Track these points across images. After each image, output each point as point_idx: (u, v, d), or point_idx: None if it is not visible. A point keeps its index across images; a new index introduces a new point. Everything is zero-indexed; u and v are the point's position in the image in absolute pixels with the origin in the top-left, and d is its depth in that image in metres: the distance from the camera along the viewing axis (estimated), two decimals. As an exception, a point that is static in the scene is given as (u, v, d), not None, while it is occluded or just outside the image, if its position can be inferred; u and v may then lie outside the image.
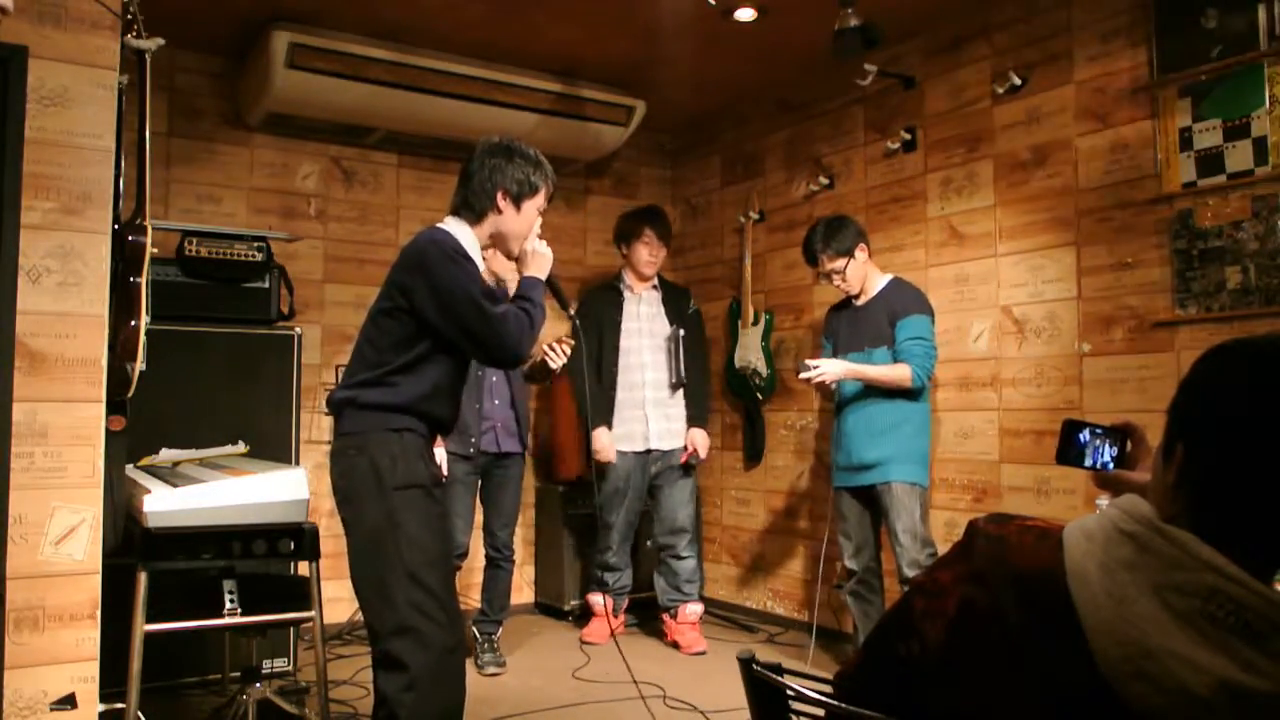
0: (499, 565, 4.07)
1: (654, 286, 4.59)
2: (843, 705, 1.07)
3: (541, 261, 2.49)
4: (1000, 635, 0.96)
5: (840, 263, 3.65)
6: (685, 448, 4.47)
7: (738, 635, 4.71)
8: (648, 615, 4.85)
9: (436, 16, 4.05)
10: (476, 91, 4.45)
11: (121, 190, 2.61)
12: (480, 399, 3.92)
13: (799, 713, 1.14)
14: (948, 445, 4.05)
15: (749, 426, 5.03)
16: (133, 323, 2.54)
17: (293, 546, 2.70)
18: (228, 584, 2.72)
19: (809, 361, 3.59)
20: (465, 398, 2.88)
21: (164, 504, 2.58)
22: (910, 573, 3.42)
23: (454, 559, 3.57)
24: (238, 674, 3.09)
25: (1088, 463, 1.21)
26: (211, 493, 2.63)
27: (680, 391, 4.51)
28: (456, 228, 2.40)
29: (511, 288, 3.44)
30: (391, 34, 4.22)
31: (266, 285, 3.83)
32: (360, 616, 4.32)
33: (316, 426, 4.55)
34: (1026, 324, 3.81)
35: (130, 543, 2.67)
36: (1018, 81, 3.83)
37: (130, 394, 2.60)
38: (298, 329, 3.87)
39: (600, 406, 4.41)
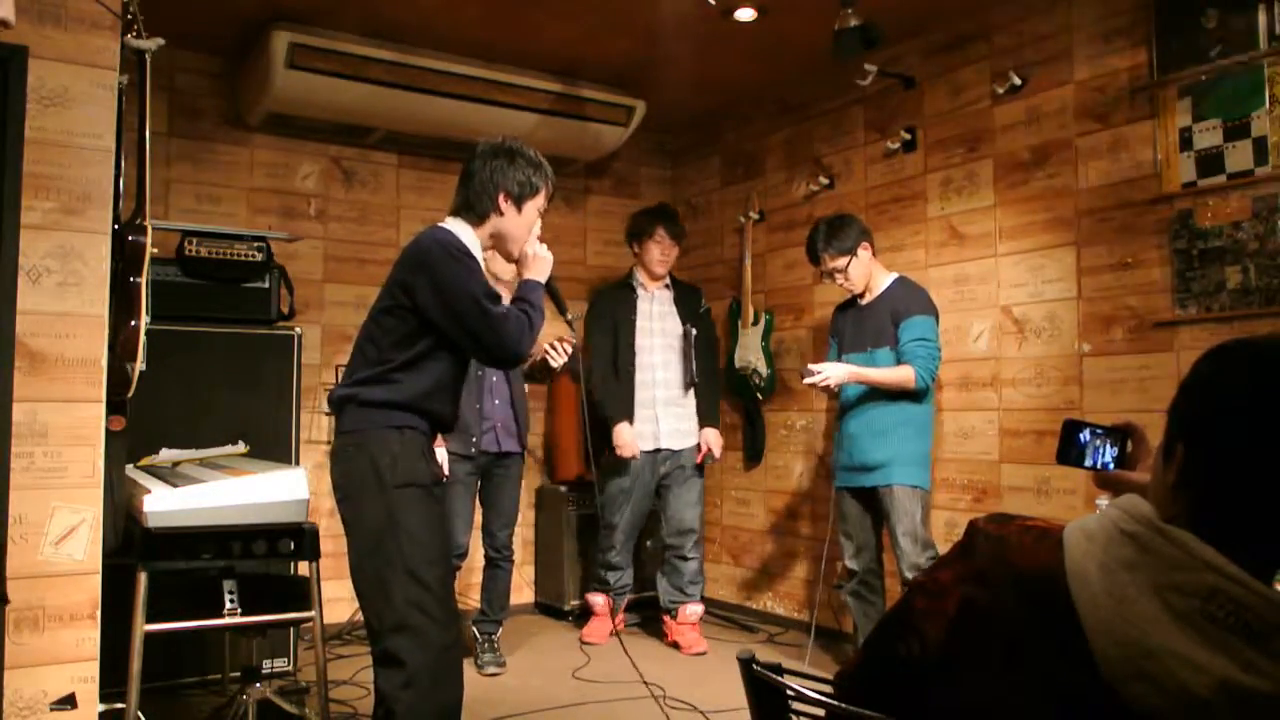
0: (498, 565, 4.07)
1: (666, 285, 4.59)
2: (843, 705, 1.07)
3: (541, 265, 2.49)
4: (1000, 635, 0.96)
5: (842, 261, 3.64)
6: (699, 448, 4.47)
7: (738, 635, 4.71)
8: (648, 615, 4.85)
9: (436, 16, 4.05)
10: (476, 91, 4.45)
11: (121, 190, 2.61)
12: (480, 399, 3.92)
13: (799, 713, 1.14)
14: (948, 445, 4.05)
15: (749, 426, 5.03)
16: (133, 323, 2.54)
17: (293, 546, 2.70)
18: (228, 584, 2.72)
19: (812, 366, 3.58)
20: (465, 397, 2.89)
21: (164, 504, 2.58)
22: (910, 576, 3.42)
23: (453, 559, 3.57)
24: (238, 674, 3.09)
25: (1088, 463, 1.22)
26: (211, 493, 2.63)
27: (691, 391, 4.50)
28: (458, 228, 2.40)
29: (508, 290, 3.45)
30: (391, 34, 4.22)
31: (266, 285, 3.83)
32: (360, 617, 4.35)
33: (316, 426, 4.55)
34: (1026, 324, 3.81)
35: (130, 543, 2.68)
36: (1018, 81, 3.83)
37: (130, 394, 2.60)
38: (298, 329, 3.87)
39: (620, 402, 4.38)
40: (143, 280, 2.58)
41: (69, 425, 2.43)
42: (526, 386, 4.19)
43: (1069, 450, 1.23)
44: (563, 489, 4.96)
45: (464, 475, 3.90)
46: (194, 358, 3.62)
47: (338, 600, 4.35)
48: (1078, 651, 0.89)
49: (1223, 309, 3.20)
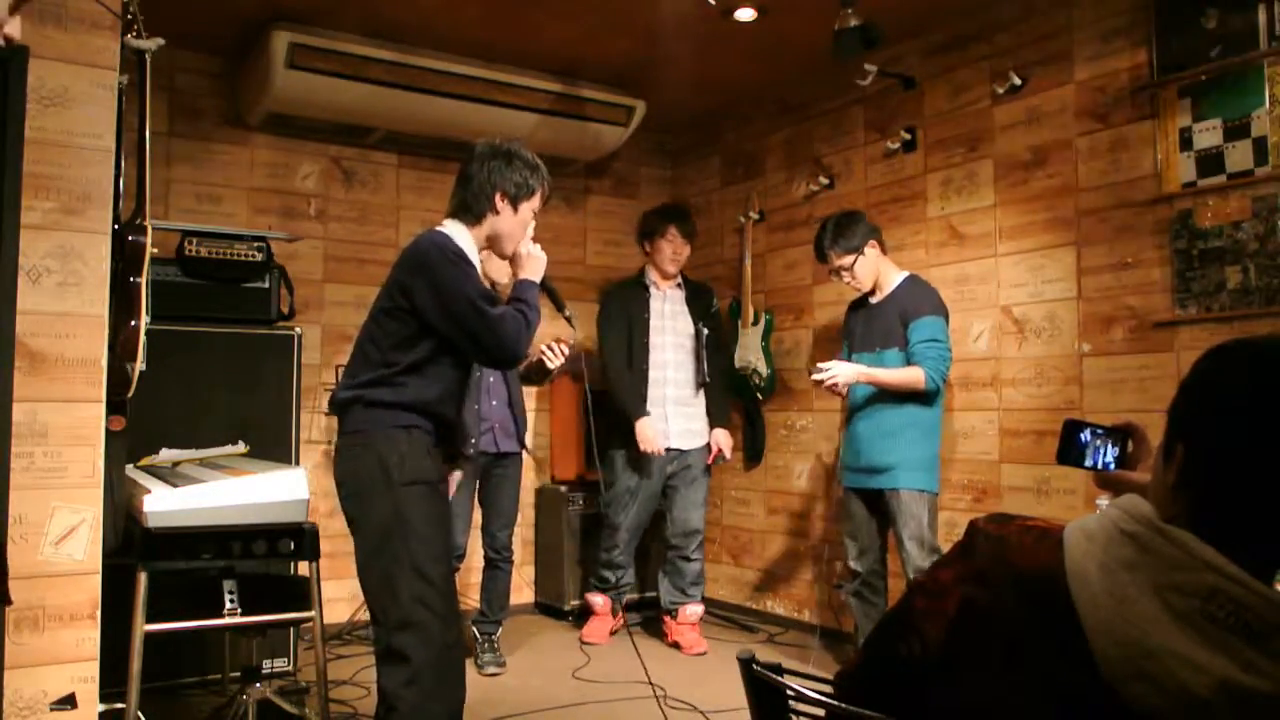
0: (497, 566, 4.06)
1: (678, 285, 4.58)
2: (842, 705, 1.07)
3: (536, 265, 2.53)
4: (1000, 635, 0.96)
5: (848, 260, 3.60)
6: (708, 449, 4.46)
7: (738, 635, 4.71)
8: (648, 615, 4.85)
9: (436, 16, 4.05)
10: (476, 91, 4.45)
11: (121, 190, 2.61)
12: (478, 400, 3.92)
13: (799, 713, 1.14)
14: (948, 445, 4.04)
15: (749, 426, 5.03)
16: (133, 323, 2.54)
17: (293, 546, 2.70)
18: (228, 584, 2.72)
19: (821, 364, 3.54)
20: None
21: (164, 504, 2.58)
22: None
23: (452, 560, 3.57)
24: (238, 674, 3.09)
25: (1088, 463, 1.22)
26: (211, 493, 2.63)
27: (701, 391, 4.49)
28: (455, 230, 2.44)
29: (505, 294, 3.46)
30: (391, 34, 4.22)
31: (266, 285, 3.83)
32: (360, 616, 4.36)
33: (316, 426, 4.55)
34: (1026, 324, 3.81)
35: (130, 543, 2.68)
36: (1018, 81, 3.83)
37: (130, 394, 2.60)
38: (298, 329, 3.87)
39: (639, 397, 4.36)
40: (143, 280, 2.58)
41: (69, 425, 2.43)
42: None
43: (1069, 450, 1.23)
44: (563, 489, 4.95)
45: (462, 476, 3.89)
46: (194, 358, 3.62)
47: (338, 600, 4.36)
48: (1078, 651, 0.89)
49: (1223, 309, 3.20)
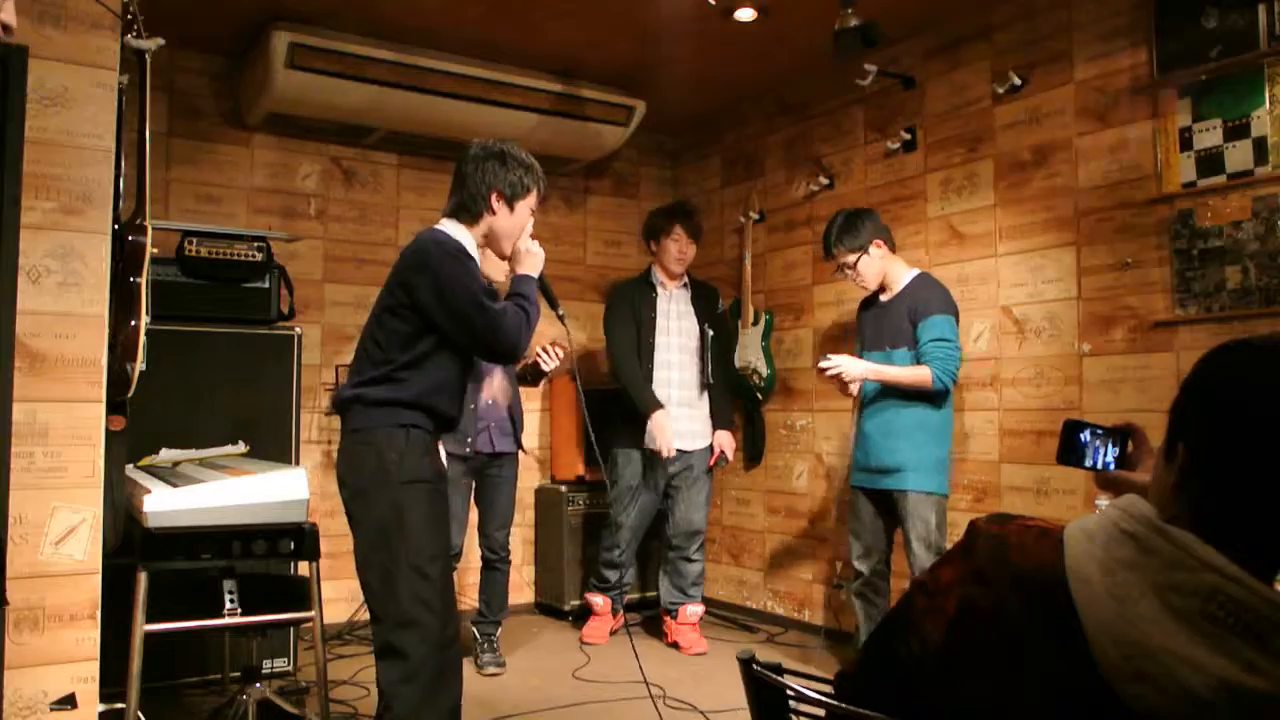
0: (495, 567, 4.04)
1: (684, 285, 4.56)
2: (842, 705, 1.07)
3: (534, 260, 2.56)
4: (1001, 635, 0.96)
5: (852, 258, 3.58)
6: (712, 450, 4.46)
7: (738, 635, 4.71)
8: (648, 615, 4.85)
9: (436, 16, 4.05)
10: (476, 91, 4.45)
11: (121, 190, 2.61)
12: (475, 399, 3.91)
13: (799, 713, 1.14)
14: (948, 445, 4.05)
15: (749, 426, 5.03)
16: (133, 323, 2.55)
17: (293, 546, 2.71)
18: (228, 584, 2.72)
19: (831, 356, 3.51)
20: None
21: (164, 504, 2.58)
22: (921, 581, 3.38)
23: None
24: (238, 674, 3.09)
25: (1088, 463, 1.22)
26: (211, 493, 2.63)
27: (705, 393, 4.49)
28: (454, 229, 2.47)
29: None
30: (391, 34, 4.22)
31: (266, 285, 3.83)
32: (360, 616, 4.36)
33: (316, 426, 4.55)
34: (1026, 324, 3.81)
35: (130, 543, 2.68)
36: (1018, 81, 3.83)
37: (130, 394, 2.60)
38: (298, 329, 3.87)
39: (651, 392, 4.33)
40: (143, 280, 2.58)
41: (69, 425, 2.43)
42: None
43: (1069, 451, 1.23)
44: (563, 489, 4.95)
45: (458, 476, 3.88)
46: (194, 358, 3.63)
47: (338, 600, 4.36)
48: (1078, 651, 0.89)
49: (1223, 309, 3.20)
